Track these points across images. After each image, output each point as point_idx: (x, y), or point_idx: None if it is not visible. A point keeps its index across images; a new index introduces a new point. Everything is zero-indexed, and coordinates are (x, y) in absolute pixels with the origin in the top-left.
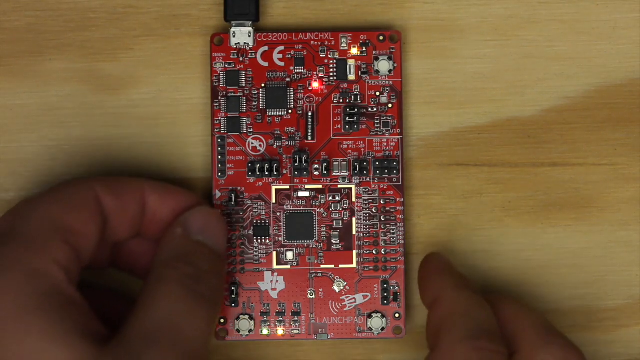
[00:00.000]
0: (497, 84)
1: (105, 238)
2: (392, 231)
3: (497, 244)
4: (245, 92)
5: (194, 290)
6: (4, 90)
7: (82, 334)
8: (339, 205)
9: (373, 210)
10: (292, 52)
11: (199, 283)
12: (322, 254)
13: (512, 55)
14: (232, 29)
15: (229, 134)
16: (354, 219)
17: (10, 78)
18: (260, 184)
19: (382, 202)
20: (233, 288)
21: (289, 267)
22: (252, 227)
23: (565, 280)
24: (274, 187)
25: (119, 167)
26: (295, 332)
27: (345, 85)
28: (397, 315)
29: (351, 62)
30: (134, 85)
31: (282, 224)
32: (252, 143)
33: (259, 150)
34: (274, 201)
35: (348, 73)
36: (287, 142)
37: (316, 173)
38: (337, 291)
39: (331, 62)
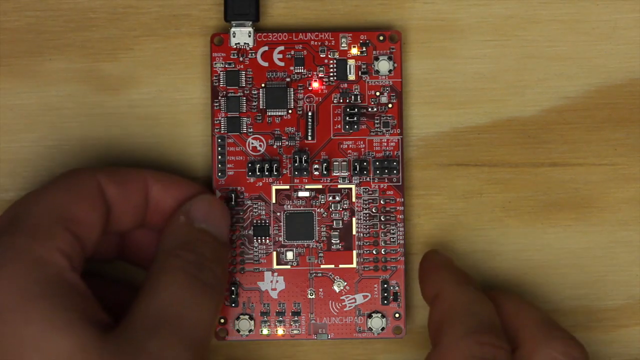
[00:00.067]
0: (497, 84)
1: (109, 228)
2: (392, 231)
3: (497, 244)
4: (245, 92)
5: (197, 278)
6: (4, 90)
7: (85, 322)
8: (339, 205)
9: (373, 210)
10: (292, 52)
11: (202, 271)
12: (322, 254)
13: (512, 55)
14: (232, 29)
15: (229, 134)
16: (354, 219)
17: (10, 78)
18: (260, 184)
19: (382, 202)
20: (233, 288)
21: (289, 267)
22: (252, 227)
23: (566, 280)
24: (274, 187)
25: None
26: (295, 332)
27: (345, 85)
28: (397, 315)
29: (351, 62)
30: (134, 85)
31: (282, 224)
32: (252, 143)
33: (259, 150)
34: (274, 201)
35: (348, 73)
36: (287, 142)
37: (316, 173)
38: (337, 291)
39: (331, 62)
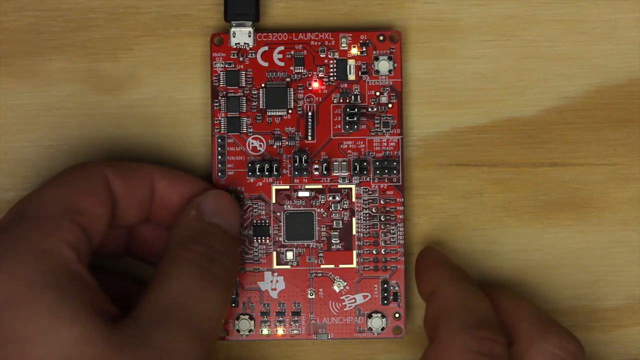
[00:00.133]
0: (497, 84)
1: (115, 222)
2: (392, 231)
3: (497, 244)
4: (245, 92)
5: (207, 271)
6: (4, 90)
7: (91, 313)
8: (339, 205)
9: (373, 210)
10: (292, 52)
11: (212, 263)
12: (322, 254)
13: (512, 55)
14: (232, 29)
15: (229, 134)
16: (354, 219)
17: (10, 78)
18: (260, 184)
19: (382, 202)
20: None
21: (289, 267)
22: (252, 227)
23: (565, 280)
24: (274, 187)
25: None
26: (295, 332)
27: (345, 85)
28: (397, 315)
29: (351, 62)
30: (134, 85)
31: (282, 224)
32: (252, 143)
33: (259, 150)
34: (274, 201)
35: (348, 73)
36: (287, 142)
37: (316, 173)
38: (337, 291)
39: (331, 62)
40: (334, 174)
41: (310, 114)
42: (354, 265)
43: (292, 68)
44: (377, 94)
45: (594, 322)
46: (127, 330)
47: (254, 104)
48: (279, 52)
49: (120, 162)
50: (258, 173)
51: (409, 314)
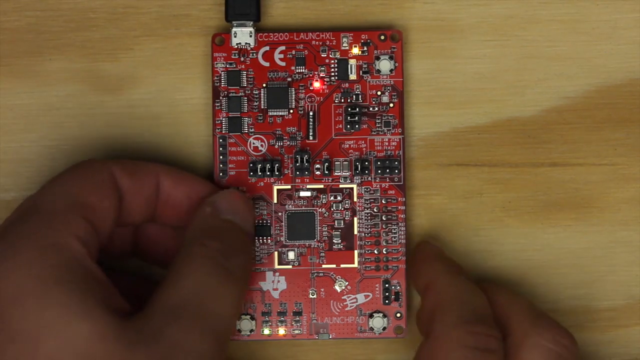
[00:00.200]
0: (497, 84)
1: (121, 219)
2: (393, 231)
3: (497, 244)
4: (247, 92)
5: (223, 267)
6: (4, 90)
7: (103, 308)
8: (340, 205)
9: (374, 209)
10: (293, 52)
11: (228, 259)
12: (323, 254)
13: (512, 55)
14: (233, 29)
15: (230, 134)
16: (355, 219)
17: (10, 78)
18: (262, 184)
19: (383, 201)
20: None
21: (290, 267)
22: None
23: (565, 280)
24: (275, 187)
25: None
26: (296, 332)
27: (347, 84)
28: (398, 315)
29: (352, 61)
30: (134, 85)
31: (283, 223)
32: (254, 143)
33: (261, 150)
34: (275, 201)
35: (349, 73)
36: (288, 142)
37: (317, 173)
38: (339, 291)
39: (332, 61)
40: (336, 173)
41: (311, 113)
42: (356, 265)
43: (293, 68)
44: (379, 93)
45: (593, 322)
46: (139, 326)
47: (255, 104)
48: (280, 52)
49: (126, 159)
50: (259, 173)
51: (411, 314)
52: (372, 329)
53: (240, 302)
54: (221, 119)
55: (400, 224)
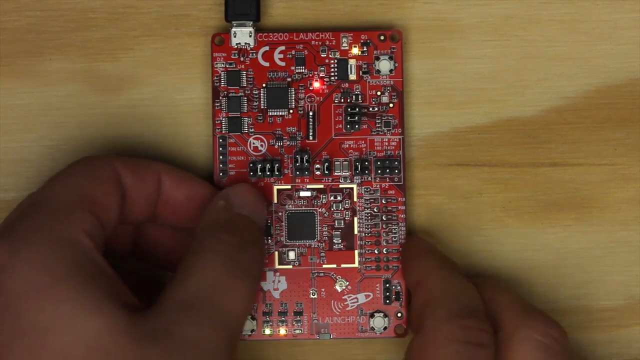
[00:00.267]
0: (497, 84)
1: (123, 216)
2: (393, 230)
3: (497, 244)
4: (246, 92)
5: (237, 261)
6: (4, 90)
7: (113, 302)
8: (340, 205)
9: (374, 209)
10: (293, 52)
11: (241, 253)
12: (324, 254)
13: (512, 55)
14: (233, 29)
15: (230, 134)
16: (355, 219)
17: (10, 78)
18: (262, 184)
19: (383, 201)
20: None
21: (291, 267)
22: None
23: (565, 280)
24: (275, 187)
25: None
26: (297, 332)
27: (346, 85)
28: (399, 314)
29: (352, 61)
30: (134, 85)
31: (283, 224)
32: (254, 143)
33: (260, 151)
34: (275, 201)
35: (349, 73)
36: (288, 142)
37: (317, 173)
38: (339, 291)
39: (332, 61)
40: (336, 173)
41: (311, 113)
42: (356, 264)
43: (293, 68)
44: (378, 93)
45: (594, 322)
46: (150, 321)
47: (255, 104)
48: (280, 52)
49: (128, 157)
50: (259, 173)
51: None
52: (373, 328)
53: (252, 297)
54: (221, 119)
55: (400, 224)
